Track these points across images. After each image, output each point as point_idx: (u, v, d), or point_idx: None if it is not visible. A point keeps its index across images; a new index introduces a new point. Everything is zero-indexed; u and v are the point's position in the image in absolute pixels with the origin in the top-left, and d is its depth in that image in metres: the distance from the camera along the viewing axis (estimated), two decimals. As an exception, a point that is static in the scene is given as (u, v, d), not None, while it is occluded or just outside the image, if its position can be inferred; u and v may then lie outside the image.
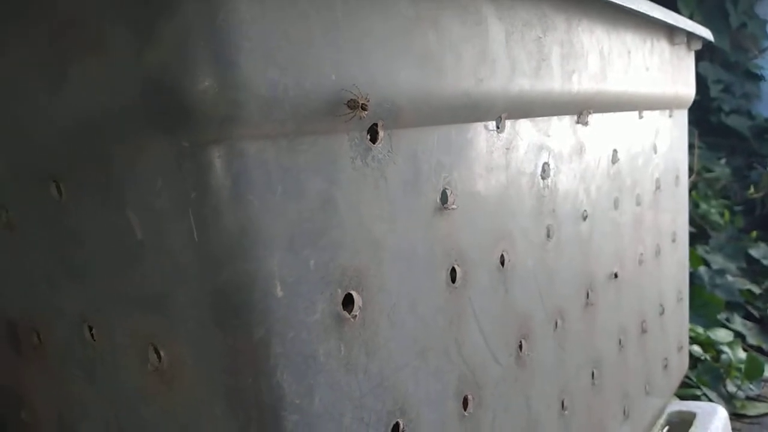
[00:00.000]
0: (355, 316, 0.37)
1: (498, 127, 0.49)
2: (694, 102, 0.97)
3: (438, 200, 0.43)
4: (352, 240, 0.36)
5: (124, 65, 0.30)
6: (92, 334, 0.40)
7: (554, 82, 0.54)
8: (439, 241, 0.43)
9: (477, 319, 0.47)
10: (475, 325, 0.47)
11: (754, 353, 1.36)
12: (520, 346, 0.53)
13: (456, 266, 0.45)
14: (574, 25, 0.56)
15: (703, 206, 2.04)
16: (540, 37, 0.51)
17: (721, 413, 0.88)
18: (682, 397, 1.19)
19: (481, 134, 0.47)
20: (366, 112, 0.34)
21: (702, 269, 1.75)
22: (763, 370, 1.28)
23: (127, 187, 0.33)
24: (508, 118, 0.49)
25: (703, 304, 1.57)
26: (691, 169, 2.19)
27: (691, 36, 0.86)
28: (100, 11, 0.31)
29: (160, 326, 0.35)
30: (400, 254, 0.40)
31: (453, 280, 0.45)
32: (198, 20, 0.29)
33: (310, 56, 0.32)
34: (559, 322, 0.59)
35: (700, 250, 1.87)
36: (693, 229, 1.96)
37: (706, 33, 0.88)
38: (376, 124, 0.38)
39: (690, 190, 2.08)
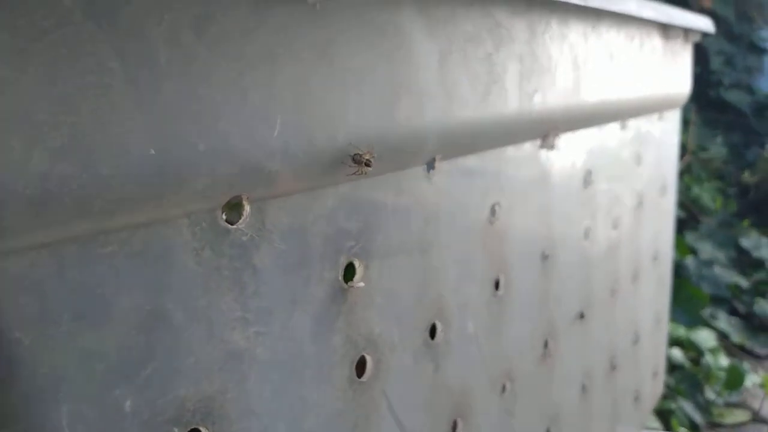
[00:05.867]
0: (200, 461, 0.27)
1: (430, 172, 0.39)
2: (692, 75, 0.86)
3: (339, 278, 0.33)
4: (196, 361, 0.27)
5: None
6: None
7: (509, 107, 0.44)
8: (340, 330, 0.34)
9: (394, 412, 0.38)
10: (390, 420, 0.38)
11: (736, 362, 1.29)
12: (454, 428, 0.44)
13: (366, 355, 0.36)
14: (540, 33, 0.46)
15: (695, 189, 1.95)
16: (491, 54, 0.41)
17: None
18: (657, 411, 1.13)
19: (405, 184, 0.37)
20: (370, 169, 0.32)
21: (689, 259, 1.66)
22: (743, 381, 1.21)
23: None
24: (445, 158, 0.39)
25: (688, 298, 1.49)
26: (685, 148, 2.09)
27: (688, 29, 0.75)
28: None
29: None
30: (278, 361, 0.30)
31: (360, 374, 0.35)
32: None
33: (110, 131, 0.22)
34: (507, 385, 0.50)
35: (689, 237, 1.79)
36: (683, 215, 1.87)
37: (706, 25, 0.77)
38: (239, 197, 0.28)
39: (682, 173, 1.98)
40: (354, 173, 0.32)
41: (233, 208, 0.28)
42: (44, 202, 0.21)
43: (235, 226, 0.28)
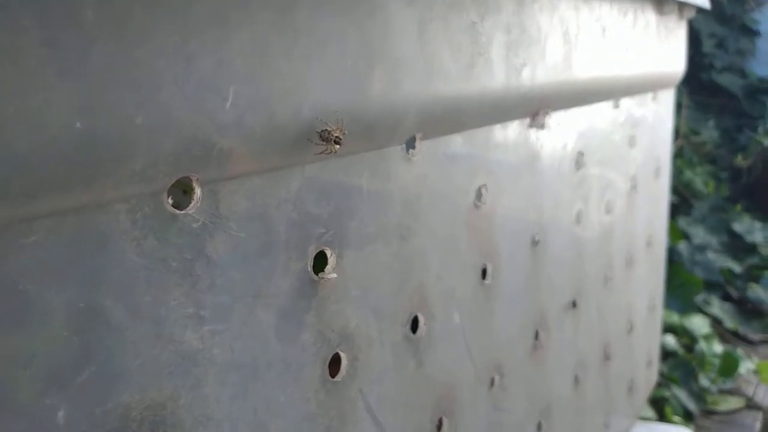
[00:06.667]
0: (147, 476, 0.24)
1: (410, 151, 0.36)
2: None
3: (309, 269, 0.30)
4: (141, 364, 0.24)
5: None
6: None
7: (496, 81, 0.41)
8: (310, 326, 0.31)
9: (372, 411, 0.35)
10: (368, 420, 0.35)
11: (730, 348, 1.27)
12: (439, 426, 0.41)
13: (340, 353, 0.33)
14: (528, 3, 0.42)
15: (688, 173, 1.93)
16: (475, 23, 0.37)
17: (690, 437, 0.78)
18: (650, 399, 1.11)
19: (382, 165, 0.34)
20: (339, 147, 0.29)
21: (682, 245, 1.64)
22: (737, 367, 1.20)
23: None
24: (426, 137, 0.36)
25: (681, 284, 1.48)
26: (677, 132, 2.06)
27: (683, 3, 0.72)
28: None
29: None
30: (239, 362, 0.27)
31: (334, 373, 0.33)
32: None
33: (25, 102, 0.19)
34: (496, 378, 0.47)
35: (682, 222, 1.77)
36: (675, 199, 1.85)
37: (702, 0, 0.74)
38: (188, 178, 0.25)
39: (675, 157, 1.96)
40: (322, 152, 0.29)
41: (182, 192, 0.25)
42: (-56, 184, 0.18)
43: (183, 212, 0.25)
